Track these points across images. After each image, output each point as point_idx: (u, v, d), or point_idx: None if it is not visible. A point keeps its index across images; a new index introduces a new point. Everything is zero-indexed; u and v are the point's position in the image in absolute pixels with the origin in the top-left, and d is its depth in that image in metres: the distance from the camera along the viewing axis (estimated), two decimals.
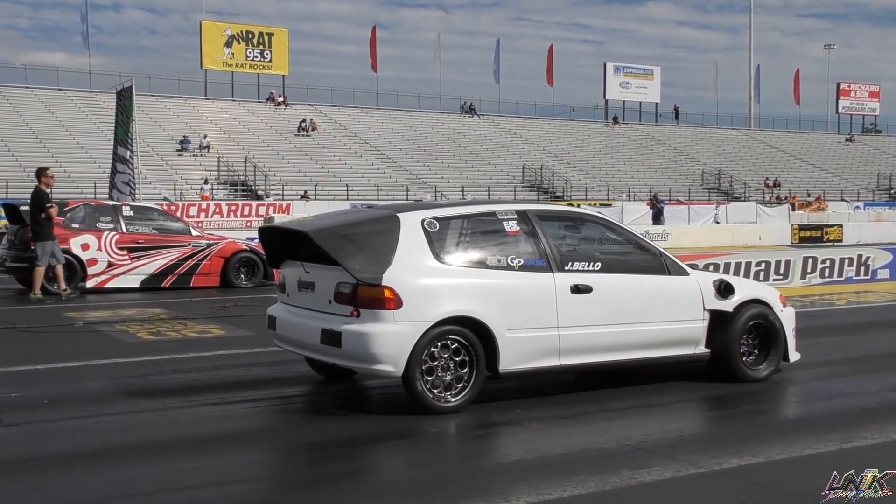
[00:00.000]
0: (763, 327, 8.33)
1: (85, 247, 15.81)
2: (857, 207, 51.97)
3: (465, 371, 7.04)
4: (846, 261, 18.89)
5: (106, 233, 16.07)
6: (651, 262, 8.07)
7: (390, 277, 6.82)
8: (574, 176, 51.58)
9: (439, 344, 6.94)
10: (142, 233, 16.52)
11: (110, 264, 16.02)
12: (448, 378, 6.98)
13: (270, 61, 55.83)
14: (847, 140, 71.52)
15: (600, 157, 57.07)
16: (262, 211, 37.16)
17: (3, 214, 21.46)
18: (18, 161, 39.09)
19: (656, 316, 7.89)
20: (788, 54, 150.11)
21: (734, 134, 67.85)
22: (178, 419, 7.02)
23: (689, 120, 69.59)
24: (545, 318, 7.34)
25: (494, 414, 7.06)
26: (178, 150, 44.43)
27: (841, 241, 36.85)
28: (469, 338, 7.01)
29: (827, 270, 18.42)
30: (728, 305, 8.13)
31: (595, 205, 43.19)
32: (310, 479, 5.65)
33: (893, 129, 78.87)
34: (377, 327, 6.78)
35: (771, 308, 8.41)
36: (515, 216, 7.59)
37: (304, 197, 40.36)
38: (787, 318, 8.54)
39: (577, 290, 7.46)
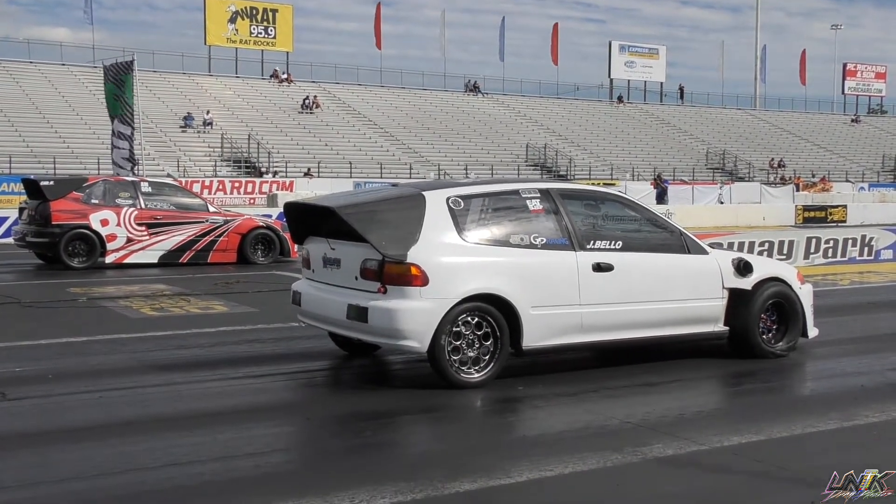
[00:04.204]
0: (782, 305, 8.49)
1: (104, 222, 15.97)
2: (862, 188, 51.87)
3: (489, 347, 7.15)
4: (850, 241, 18.87)
5: (125, 209, 16.22)
6: (671, 240, 8.21)
7: (416, 255, 6.92)
8: (578, 155, 51.46)
9: (464, 320, 7.04)
10: (160, 209, 16.65)
11: (129, 240, 16.20)
12: (472, 354, 7.10)
13: (274, 38, 55.62)
14: (853, 121, 71.26)
15: (604, 136, 56.93)
16: (265, 188, 37.16)
17: (22, 190, 21.73)
18: (22, 136, 39.06)
19: (676, 294, 8.03)
20: (794, 34, 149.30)
21: (739, 114, 67.62)
22: (182, 394, 7.06)
23: (694, 100, 69.34)
24: (567, 295, 7.45)
25: (497, 391, 7.09)
26: (181, 127, 44.35)
27: (845, 221, 36.83)
28: (493, 314, 7.11)
29: (830, 251, 18.40)
30: (747, 283, 8.28)
31: (599, 184, 43.14)
32: (316, 453, 5.69)
33: None
34: (404, 303, 6.90)
35: (789, 286, 8.57)
36: (539, 195, 7.68)
37: (307, 174, 40.33)
38: (805, 294, 8.68)
39: (598, 268, 7.57)
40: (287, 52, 56.37)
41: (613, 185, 42.20)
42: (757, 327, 8.31)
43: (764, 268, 8.57)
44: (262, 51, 55.84)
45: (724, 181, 48.29)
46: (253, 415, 6.42)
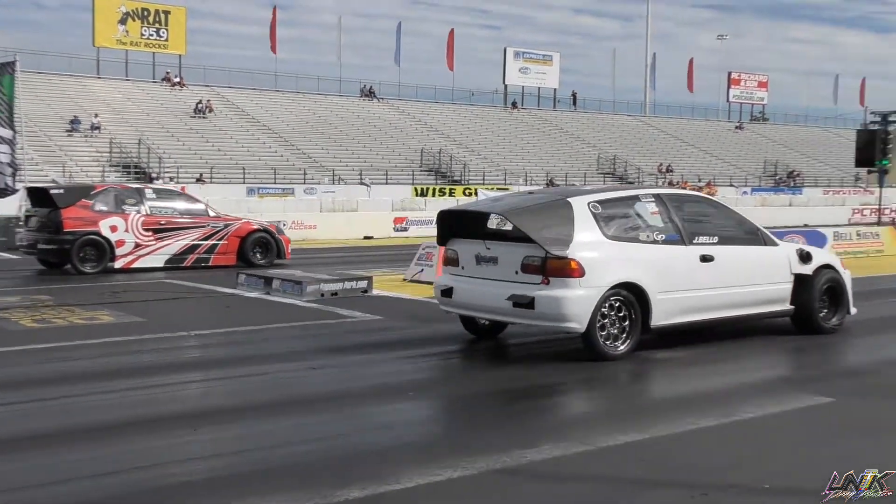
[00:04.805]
0: (833, 288, 10.12)
1: (113, 228, 16.52)
2: (745, 192, 53.62)
3: (626, 326, 8.56)
4: None
5: (132, 215, 16.78)
6: (751, 235, 9.85)
7: (574, 251, 8.29)
8: (472, 160, 51.86)
9: (609, 304, 8.42)
10: (164, 214, 17.23)
11: (137, 245, 16.76)
12: (615, 331, 8.50)
13: (166, 40, 54.43)
14: (737, 128, 73.62)
15: (499, 141, 57.49)
16: None
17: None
18: None
19: (758, 279, 9.65)
20: (682, 43, 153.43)
21: (630, 120, 69.15)
22: (71, 408, 6.88)
23: (587, 106, 70.54)
24: (683, 282, 8.96)
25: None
26: (67, 131, 43.02)
27: None
28: (630, 299, 8.53)
29: None
30: (808, 269, 9.90)
31: (492, 189, 43.56)
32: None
33: (780, 117, 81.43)
34: (567, 292, 8.24)
35: (838, 271, 10.23)
36: (654, 199, 9.26)
37: (199, 180, 39.61)
38: (847, 279, 10.30)
39: (704, 259, 9.12)
40: (180, 55, 55.23)
41: (507, 189, 42.64)
42: (816, 306, 9.91)
43: (819, 257, 10.22)
44: (154, 53, 54.58)
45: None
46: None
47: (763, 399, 7.07)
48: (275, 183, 41.49)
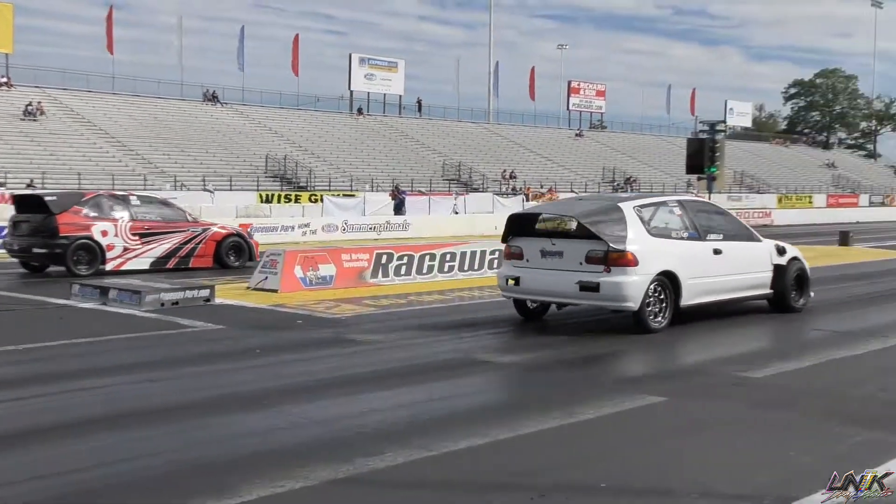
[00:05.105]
0: (800, 275, 12.57)
1: (104, 233, 17.62)
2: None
3: (664, 305, 10.65)
4: None
5: (120, 220, 17.87)
6: (744, 232, 12.28)
7: (630, 245, 10.37)
8: (318, 167, 51.48)
9: (653, 288, 10.50)
10: (149, 220, 18.41)
11: (125, 249, 17.86)
12: (656, 310, 10.58)
13: None
14: (577, 135, 75.79)
15: (345, 147, 57.29)
16: None
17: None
18: None
19: (751, 268, 12.00)
20: (524, 52, 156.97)
21: (474, 127, 70.14)
22: None
23: (432, 113, 71.16)
24: (703, 270, 11.17)
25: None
26: None
27: None
28: (667, 283, 10.65)
29: None
30: (783, 261, 12.35)
31: (339, 195, 43.40)
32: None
33: (617, 125, 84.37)
34: (626, 279, 10.33)
35: (803, 263, 12.71)
36: (677, 204, 11.81)
37: (29, 185, 37.77)
38: (808, 268, 12.81)
39: (716, 252, 11.39)
40: (6, 54, 52.55)
41: (353, 196, 42.59)
42: (790, 290, 12.31)
43: (790, 251, 12.55)
44: None
45: (460, 192, 49.95)
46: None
47: (602, 400, 7.28)
48: (113, 189, 40.02)
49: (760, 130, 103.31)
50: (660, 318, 10.62)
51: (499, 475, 5.48)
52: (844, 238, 28.73)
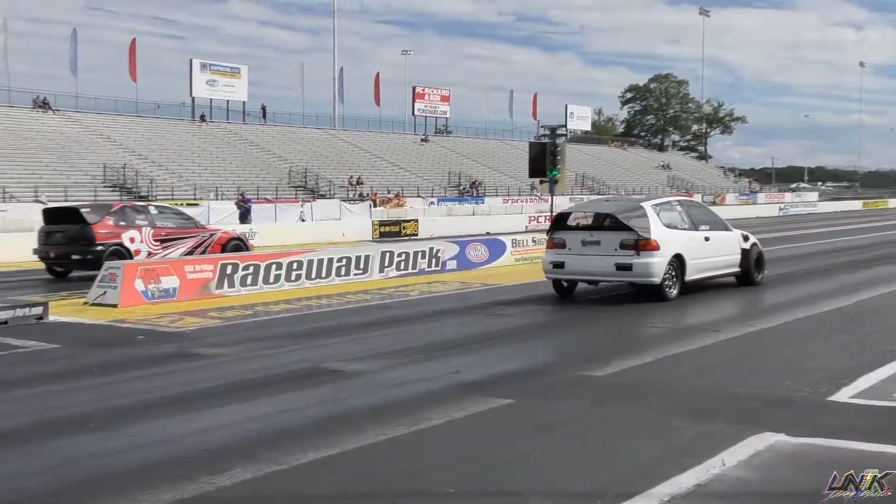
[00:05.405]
0: (759, 257, 16.29)
1: (132, 240, 19.71)
2: (432, 203, 55.73)
3: (675, 280, 14.00)
4: (419, 254, 20.20)
5: (143, 228, 20.04)
6: (721, 224, 15.77)
7: (653, 234, 13.74)
8: (160, 175, 49.98)
9: (668, 266, 13.79)
10: (167, 227, 20.60)
11: (149, 253, 19.73)
12: (670, 283, 13.91)
13: None
14: (422, 140, 76.28)
15: (187, 155, 55.80)
16: None
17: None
18: None
19: (728, 251, 15.50)
20: (369, 58, 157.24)
21: (319, 133, 69.62)
22: None
23: (277, 119, 70.16)
24: (699, 253, 14.57)
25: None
26: None
27: (417, 235, 39.31)
28: (676, 263, 13.98)
29: (403, 263, 19.55)
30: (748, 246, 15.93)
31: (182, 204, 42.22)
32: None
33: (462, 130, 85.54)
34: (652, 259, 13.67)
35: (760, 247, 16.40)
36: (678, 203, 15.64)
37: None
38: (763, 251, 16.56)
39: (706, 239, 14.95)
40: None
41: (197, 205, 41.53)
42: (753, 268, 15.90)
43: (751, 238, 16.08)
44: None
45: (306, 199, 49.45)
46: None
47: (450, 405, 7.33)
48: None
49: (600, 134, 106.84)
50: (673, 291, 13.93)
51: (347, 486, 5.44)
52: None
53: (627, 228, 13.74)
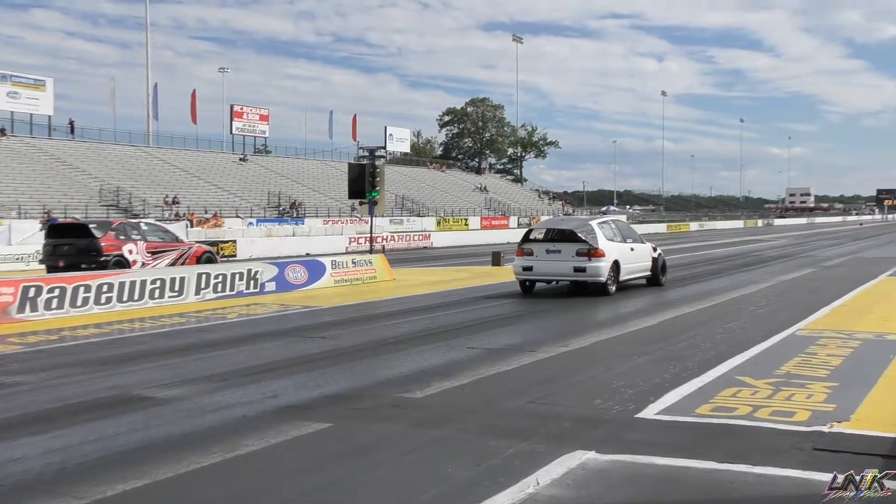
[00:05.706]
0: (663, 264, 21.14)
1: (130, 252, 22.05)
2: (251, 223, 54.80)
3: (614, 279, 18.56)
4: (237, 275, 19.81)
5: (138, 241, 22.49)
6: (639, 238, 20.36)
7: (600, 245, 18.26)
8: None
9: (610, 269, 18.33)
10: (156, 241, 23.15)
11: (143, 264, 22.02)
12: (611, 282, 18.41)
13: None
14: (241, 160, 74.98)
15: None
16: None
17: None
18: None
19: (644, 259, 20.17)
20: (185, 74, 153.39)
21: (133, 150, 67.25)
22: None
23: (86, 135, 67.38)
24: (627, 260, 19.16)
25: None
26: None
27: (235, 256, 38.53)
28: (614, 267, 18.51)
29: (220, 285, 19.13)
30: (656, 255, 20.65)
31: (2, 223, 39.78)
32: None
33: (282, 150, 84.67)
34: (600, 264, 18.17)
35: (663, 257, 21.20)
36: (612, 222, 20.11)
37: None
38: (665, 259, 21.55)
39: (632, 249, 19.61)
40: None
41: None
42: (659, 272, 20.72)
43: (658, 249, 20.89)
44: None
45: (119, 219, 47.60)
46: None
47: (266, 430, 7.18)
48: None
49: (419, 155, 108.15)
50: (612, 287, 18.47)
51: None
52: (496, 258, 30.66)
53: (581, 240, 18.26)
